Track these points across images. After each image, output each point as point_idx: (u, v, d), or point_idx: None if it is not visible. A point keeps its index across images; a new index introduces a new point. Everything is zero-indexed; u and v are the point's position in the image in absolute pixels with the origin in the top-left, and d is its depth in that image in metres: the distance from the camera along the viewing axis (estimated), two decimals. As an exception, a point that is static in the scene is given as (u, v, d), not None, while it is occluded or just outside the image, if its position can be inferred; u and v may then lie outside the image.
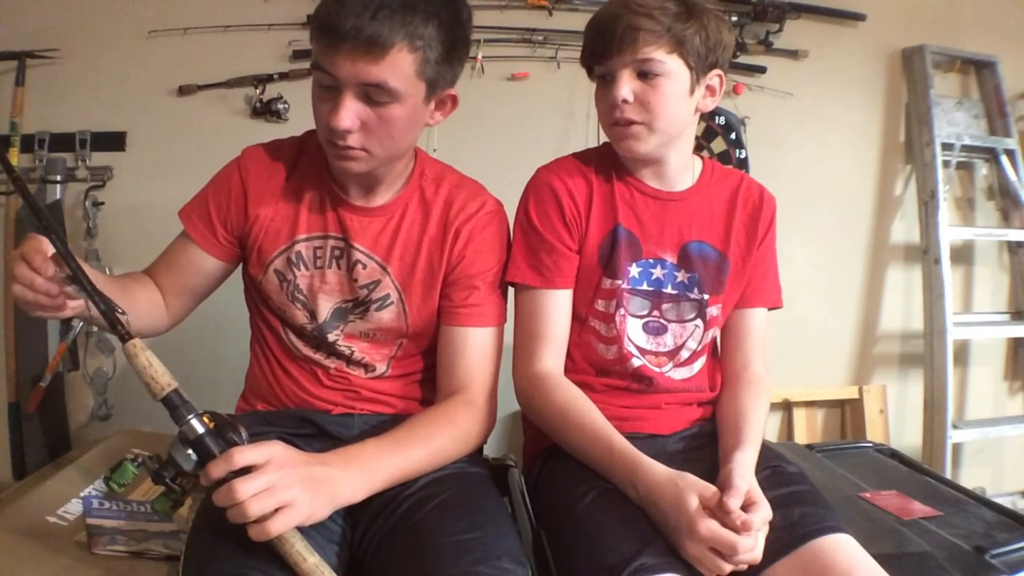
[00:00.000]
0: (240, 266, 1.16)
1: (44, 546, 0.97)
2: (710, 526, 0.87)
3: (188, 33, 1.93)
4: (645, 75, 1.04)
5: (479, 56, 2.00)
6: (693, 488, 0.91)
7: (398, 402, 1.15)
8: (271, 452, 0.81)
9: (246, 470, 0.78)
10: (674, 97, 1.06)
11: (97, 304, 0.82)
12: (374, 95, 0.93)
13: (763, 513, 0.90)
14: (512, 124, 2.07)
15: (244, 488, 0.76)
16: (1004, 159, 2.32)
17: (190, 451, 0.80)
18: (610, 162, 1.16)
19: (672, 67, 1.04)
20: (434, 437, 1.01)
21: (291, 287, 1.10)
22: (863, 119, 2.29)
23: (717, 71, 1.09)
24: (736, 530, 0.87)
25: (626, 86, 1.05)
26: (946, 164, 2.21)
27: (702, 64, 1.06)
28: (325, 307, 1.10)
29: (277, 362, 1.15)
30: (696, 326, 1.17)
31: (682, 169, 1.16)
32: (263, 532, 0.78)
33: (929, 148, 2.21)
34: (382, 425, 1.08)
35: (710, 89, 1.10)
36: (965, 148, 2.27)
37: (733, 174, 1.22)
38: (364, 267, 1.09)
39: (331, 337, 1.11)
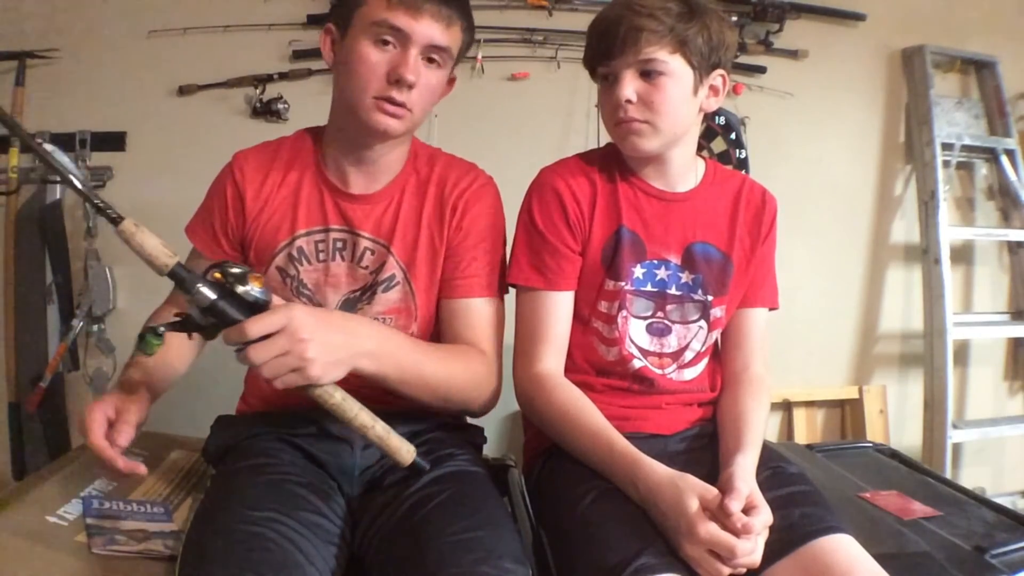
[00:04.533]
0: None
1: (44, 546, 0.96)
2: (710, 528, 0.87)
3: (188, 33, 1.94)
4: (648, 75, 1.04)
5: (479, 56, 2.00)
6: (694, 490, 0.91)
7: (402, 400, 1.15)
8: (287, 318, 0.84)
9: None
10: (677, 97, 1.06)
11: (90, 199, 0.82)
12: (435, 56, 1.03)
13: (764, 517, 0.90)
14: (512, 124, 2.07)
15: (257, 356, 0.83)
16: (1004, 159, 2.32)
17: (211, 318, 0.83)
18: (614, 163, 1.16)
19: (675, 67, 1.04)
20: (450, 360, 1.06)
21: (295, 283, 1.10)
22: (863, 119, 2.29)
23: (720, 71, 1.09)
24: (736, 533, 0.87)
25: (629, 86, 1.05)
26: (946, 164, 2.21)
27: (705, 64, 1.06)
28: (333, 300, 1.11)
29: None
30: (700, 327, 1.17)
31: (685, 169, 1.16)
32: (280, 385, 0.86)
33: (929, 148, 2.21)
34: (387, 420, 1.08)
35: (713, 89, 1.11)
36: (965, 148, 2.27)
37: (735, 176, 1.22)
38: (372, 253, 1.10)
39: None
